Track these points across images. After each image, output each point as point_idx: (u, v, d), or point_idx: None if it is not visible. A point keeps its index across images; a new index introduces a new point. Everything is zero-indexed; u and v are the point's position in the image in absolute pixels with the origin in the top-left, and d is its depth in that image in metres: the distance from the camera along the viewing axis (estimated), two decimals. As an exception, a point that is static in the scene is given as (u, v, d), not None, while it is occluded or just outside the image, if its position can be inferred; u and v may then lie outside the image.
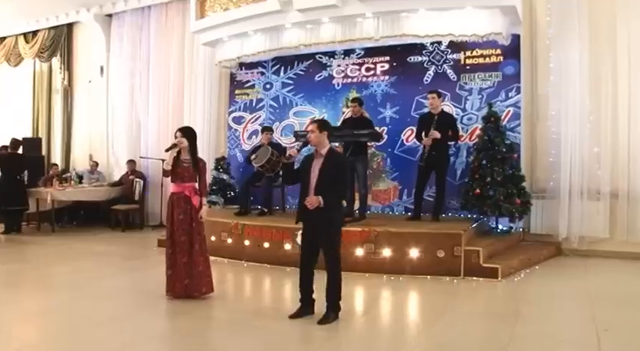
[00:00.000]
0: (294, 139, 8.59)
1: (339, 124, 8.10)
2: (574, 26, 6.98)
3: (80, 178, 10.29)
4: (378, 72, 8.30)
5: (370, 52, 8.30)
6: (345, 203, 5.79)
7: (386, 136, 7.89)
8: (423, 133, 6.88)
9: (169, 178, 5.23)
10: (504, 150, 6.68)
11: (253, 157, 7.54)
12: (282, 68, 9.03)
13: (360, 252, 6.05)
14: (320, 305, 4.40)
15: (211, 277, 5.15)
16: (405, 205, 7.93)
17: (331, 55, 8.61)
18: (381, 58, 8.27)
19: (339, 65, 8.57)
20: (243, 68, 9.31)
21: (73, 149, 11.53)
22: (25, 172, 9.65)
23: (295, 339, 4.10)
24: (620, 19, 6.79)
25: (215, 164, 8.80)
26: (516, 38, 7.32)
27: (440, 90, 7.18)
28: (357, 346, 3.96)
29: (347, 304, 4.49)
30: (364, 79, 8.38)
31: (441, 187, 6.89)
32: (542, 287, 5.51)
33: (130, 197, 9.74)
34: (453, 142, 7.12)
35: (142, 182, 9.76)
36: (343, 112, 8.43)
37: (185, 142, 5.04)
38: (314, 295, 4.39)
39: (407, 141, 7.98)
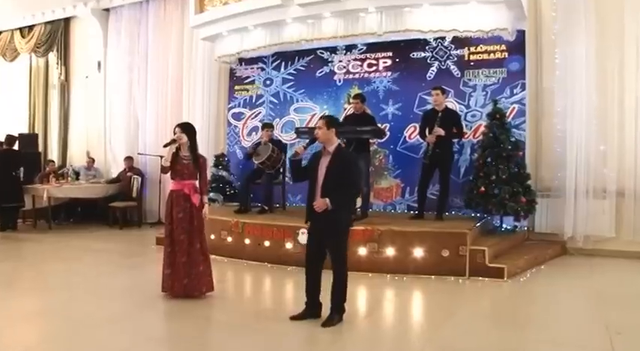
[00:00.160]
0: (294, 136, 8.51)
1: (341, 119, 8.02)
2: (580, 21, 6.86)
3: (77, 174, 10.15)
4: (381, 68, 8.16)
5: (372, 47, 8.17)
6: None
7: (388, 133, 7.75)
8: (427, 130, 6.76)
9: (168, 176, 5.11)
10: (510, 147, 6.56)
11: (254, 150, 7.39)
12: (283, 64, 8.89)
13: (363, 251, 5.93)
14: (324, 308, 4.29)
15: (212, 276, 5.05)
16: (408, 203, 7.82)
17: (333, 50, 8.47)
18: (384, 54, 8.13)
19: (340, 61, 8.44)
20: (243, 64, 9.16)
21: (69, 145, 11.37)
22: (21, 168, 9.51)
23: (298, 342, 3.98)
24: (628, 14, 6.67)
25: (214, 161, 8.67)
26: (521, 34, 7.19)
27: (443, 86, 7.04)
28: (362, 350, 3.84)
29: (351, 304, 4.37)
30: (366, 75, 8.25)
31: (445, 185, 6.77)
32: (549, 288, 5.40)
33: (127, 194, 9.59)
34: (456, 140, 6.99)
35: (139, 179, 9.62)
36: (345, 109, 8.29)
37: (184, 138, 4.91)
38: (320, 299, 4.27)
39: (409, 138, 7.86)
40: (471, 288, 5.45)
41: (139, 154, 9.96)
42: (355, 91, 8.14)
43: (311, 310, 4.24)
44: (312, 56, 8.62)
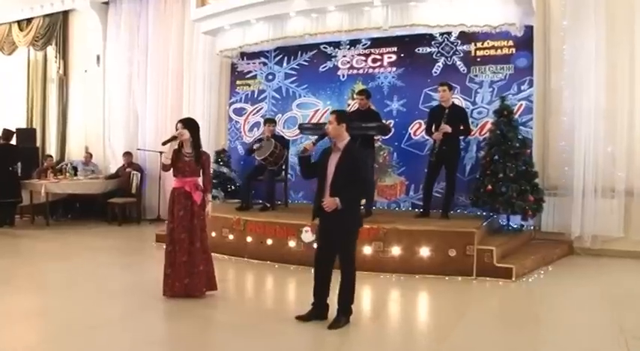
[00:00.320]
0: (297, 132, 8.39)
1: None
2: (590, 17, 6.72)
3: (75, 170, 9.99)
4: (385, 63, 8.01)
5: (377, 42, 8.02)
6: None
7: (393, 130, 7.60)
8: (433, 127, 6.62)
9: (168, 172, 4.97)
10: (517, 145, 6.44)
11: (257, 146, 7.26)
12: (285, 58, 8.74)
13: (368, 250, 5.80)
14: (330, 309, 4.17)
15: (214, 275, 4.91)
16: (412, 201, 7.69)
17: (336, 45, 8.32)
18: (388, 49, 7.98)
19: (344, 56, 8.29)
20: (245, 58, 9.01)
21: (68, 140, 11.21)
22: (19, 163, 9.39)
23: (305, 344, 3.86)
24: (639, 10, 6.53)
25: (215, 157, 8.51)
26: (529, 29, 7.05)
27: (450, 82, 6.90)
28: (370, 353, 3.73)
29: (357, 305, 4.23)
30: (370, 71, 8.10)
31: (452, 183, 6.66)
32: (559, 289, 5.27)
33: (126, 190, 9.46)
34: (463, 137, 6.86)
35: (139, 175, 9.47)
36: (348, 105, 8.16)
37: (187, 135, 4.77)
38: (328, 300, 4.14)
39: (414, 135, 7.72)
40: (478, 288, 5.33)
41: (138, 149, 9.80)
42: (359, 86, 7.99)
43: (317, 312, 4.11)
44: (315, 51, 8.47)
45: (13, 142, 9.50)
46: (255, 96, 9.01)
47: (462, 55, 7.52)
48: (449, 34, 7.50)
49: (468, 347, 3.77)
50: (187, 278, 4.78)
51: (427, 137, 7.44)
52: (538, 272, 5.83)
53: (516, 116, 6.85)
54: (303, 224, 6.12)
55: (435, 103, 7.39)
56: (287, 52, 8.67)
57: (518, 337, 3.95)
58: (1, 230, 8.72)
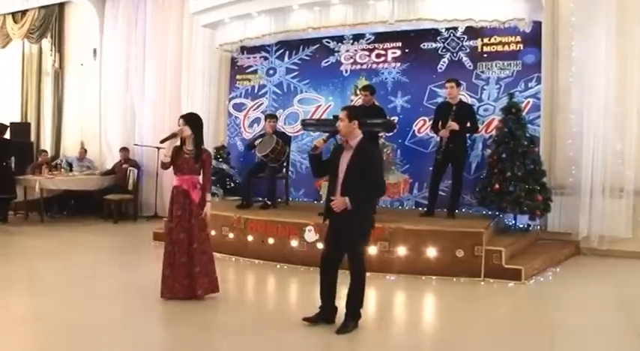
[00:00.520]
0: (298, 128, 8.22)
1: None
2: (599, 13, 6.55)
3: (70, 166, 9.79)
4: (389, 58, 7.84)
5: (381, 37, 7.84)
6: None
7: (397, 126, 7.44)
8: (440, 124, 6.47)
9: (165, 169, 4.79)
10: (525, 143, 6.29)
11: (257, 142, 7.09)
12: (287, 53, 8.56)
13: (373, 250, 5.63)
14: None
15: (215, 276, 4.73)
16: (416, 199, 7.54)
17: (339, 39, 8.13)
18: (393, 44, 7.81)
19: (347, 51, 8.11)
20: (245, 52, 8.82)
21: (63, 135, 10.99)
22: (12, 158, 9.18)
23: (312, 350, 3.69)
24: (651, 7, 6.39)
25: (214, 153, 8.32)
26: (537, 25, 6.89)
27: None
28: (381, 360, 3.58)
29: (364, 308, 4.05)
30: (374, 66, 7.92)
31: (458, 182, 6.51)
32: (569, 291, 5.15)
33: (123, 187, 9.27)
34: (469, 134, 6.70)
35: (136, 171, 9.28)
36: (351, 101, 7.99)
37: (188, 132, 4.58)
38: (336, 303, 3.99)
39: (419, 132, 7.57)
40: (488, 291, 5.19)
41: (135, 145, 9.61)
42: (362, 82, 7.83)
43: (325, 315, 3.95)
44: (317, 45, 8.29)
45: (7, 136, 9.27)
46: (256, 91, 8.83)
47: (468, 50, 7.35)
48: (455, 29, 7.34)
49: (483, 353, 3.63)
50: (187, 279, 4.61)
51: (432, 134, 7.33)
52: (546, 273, 5.70)
53: (524, 114, 6.70)
54: (305, 223, 5.97)
55: (440, 100, 7.27)
56: (288, 46, 8.49)
57: (535, 343, 3.79)
58: (-5, 227, 8.52)
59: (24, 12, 11.19)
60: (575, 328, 4.08)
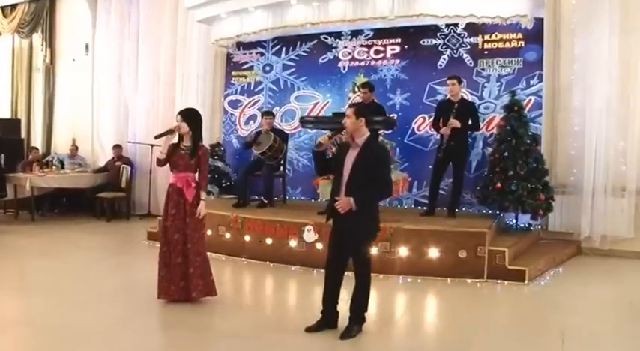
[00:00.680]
0: (295, 126, 8.10)
1: (343, 110, 7.58)
2: (602, 9, 6.46)
3: (62, 163, 9.59)
4: (388, 55, 7.71)
5: (380, 33, 7.72)
6: None
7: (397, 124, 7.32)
8: (441, 122, 6.35)
9: (160, 166, 4.63)
10: (528, 141, 6.19)
11: (253, 139, 6.94)
12: (284, 49, 8.41)
13: (373, 251, 5.45)
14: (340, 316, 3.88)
15: (212, 278, 4.56)
16: (415, 198, 7.43)
17: (337, 35, 8.00)
18: (392, 41, 7.68)
19: (345, 47, 7.97)
20: (241, 48, 8.66)
21: (54, 132, 10.76)
22: (2, 156, 8.95)
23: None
24: (655, 3, 6.31)
25: (209, 151, 8.17)
26: (539, 22, 6.78)
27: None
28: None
29: (368, 311, 3.94)
30: (373, 63, 7.80)
31: (459, 181, 6.40)
32: (575, 292, 5.06)
33: (116, 185, 9.08)
34: (470, 132, 6.60)
35: (129, 169, 9.10)
36: (349, 98, 7.87)
37: (185, 128, 4.43)
38: (339, 307, 3.85)
39: (418, 129, 7.45)
40: (492, 292, 5.09)
41: (128, 142, 9.42)
42: (361, 79, 7.71)
43: (327, 320, 3.81)
44: (315, 41, 8.15)
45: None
46: (252, 88, 8.67)
47: (468, 47, 7.25)
48: (455, 25, 7.24)
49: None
50: (183, 281, 4.46)
51: (431, 132, 7.25)
52: (549, 274, 5.62)
53: (525, 111, 6.59)
54: (304, 223, 5.84)
55: (440, 97, 7.17)
56: (285, 42, 8.35)
57: (544, 347, 3.69)
58: (-16, 226, 8.32)
59: (14, 6, 10.92)
60: (584, 331, 3.98)
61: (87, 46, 10.08)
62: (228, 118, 8.86)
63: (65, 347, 3.57)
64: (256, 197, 7.24)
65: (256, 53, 8.62)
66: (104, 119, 9.84)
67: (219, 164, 8.24)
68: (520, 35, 6.99)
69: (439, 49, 7.39)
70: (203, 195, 4.56)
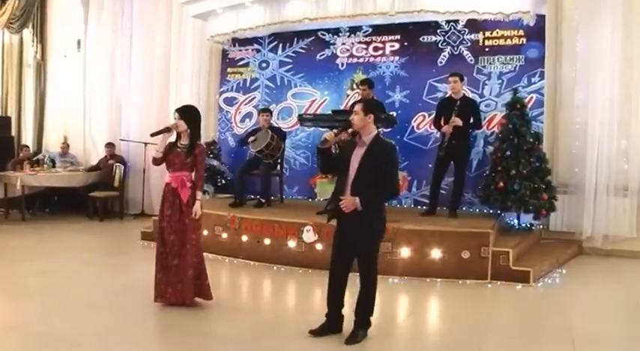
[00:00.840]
0: (292, 123, 7.98)
1: (342, 107, 7.47)
2: (605, 6, 6.37)
3: (53, 161, 9.39)
4: (387, 52, 7.58)
5: (379, 29, 7.59)
6: None
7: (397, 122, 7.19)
8: (442, 120, 6.24)
9: (156, 165, 4.48)
10: (531, 140, 6.08)
11: (251, 139, 6.80)
12: (280, 45, 8.25)
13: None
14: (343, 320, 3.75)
15: (207, 282, 4.41)
16: (415, 197, 7.31)
17: (335, 32, 7.86)
18: (391, 37, 7.55)
19: (343, 43, 7.83)
20: (237, 44, 8.50)
21: (45, 130, 10.53)
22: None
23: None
24: (658, 0, 6.22)
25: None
26: (541, 18, 6.68)
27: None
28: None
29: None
30: (371, 60, 7.66)
31: (460, 180, 6.30)
32: (581, 294, 4.98)
33: (109, 183, 8.89)
34: (472, 131, 6.48)
35: (122, 167, 8.92)
36: (347, 95, 7.75)
37: (183, 126, 4.28)
38: (344, 311, 3.72)
39: (418, 128, 7.33)
40: (497, 294, 4.98)
41: (121, 140, 9.24)
42: (359, 76, 7.58)
43: (332, 324, 3.68)
44: (312, 38, 8.00)
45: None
46: (248, 85, 8.52)
47: (469, 44, 7.13)
48: (455, 22, 7.12)
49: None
50: (180, 284, 4.31)
51: (431, 130, 7.15)
52: (553, 275, 5.52)
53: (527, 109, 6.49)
54: (304, 223, 5.70)
55: (440, 95, 7.07)
56: (282, 38, 8.20)
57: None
58: (-27, 225, 8.11)
59: (3, 0, 10.66)
60: (595, 333, 3.88)
61: (79, 42, 9.86)
62: (224, 116, 8.70)
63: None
64: (252, 196, 7.11)
65: (252, 50, 8.46)
66: (96, 116, 9.64)
67: (215, 163, 8.08)
68: (521, 32, 6.89)
69: (439, 45, 7.27)
70: (199, 195, 4.39)
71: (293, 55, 8.18)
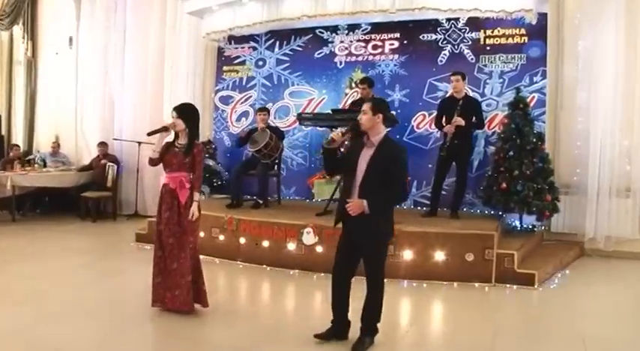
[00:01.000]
0: (289, 123, 7.85)
1: (340, 106, 7.36)
2: (608, 5, 6.28)
3: (44, 161, 9.19)
4: (387, 50, 7.46)
5: (378, 27, 7.46)
6: None
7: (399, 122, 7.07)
8: (444, 120, 6.13)
9: (153, 166, 4.32)
10: (534, 140, 5.99)
11: (247, 136, 6.66)
12: (277, 43, 8.11)
13: (376, 254, 5.27)
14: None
15: (204, 288, 4.25)
16: (415, 198, 7.19)
17: (333, 29, 7.73)
18: (390, 35, 7.43)
19: (342, 41, 7.70)
20: (233, 42, 8.35)
21: (36, 129, 10.31)
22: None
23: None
24: (662, -2, 6.15)
25: (200, 149, 7.87)
26: (543, 17, 6.59)
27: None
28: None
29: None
30: (370, 58, 7.54)
31: (462, 180, 6.21)
32: (587, 297, 4.90)
33: (101, 183, 8.70)
34: (473, 130, 6.38)
35: (115, 167, 8.73)
36: (346, 94, 7.62)
37: (181, 126, 4.13)
38: (349, 316, 3.59)
39: (418, 127, 7.22)
40: (502, 297, 4.88)
41: (114, 139, 9.05)
42: (358, 74, 7.47)
43: (338, 330, 3.55)
44: (310, 36, 7.86)
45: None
46: (244, 83, 8.36)
47: (470, 43, 7.03)
48: (456, 20, 7.02)
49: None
50: (177, 289, 4.15)
51: (431, 130, 7.06)
52: (557, 277, 5.42)
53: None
54: (303, 224, 5.57)
55: (440, 94, 6.97)
56: (279, 36, 8.05)
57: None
58: (-38, 226, 7.89)
59: (-7, -3, 10.49)
60: (606, 337, 3.81)
61: (70, 39, 9.65)
62: (219, 115, 8.54)
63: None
64: (249, 197, 6.97)
65: (249, 47, 8.31)
66: (89, 115, 9.44)
67: (211, 162, 7.91)
68: (523, 30, 6.80)
69: (439, 44, 7.16)
70: (196, 196, 4.24)
71: (290, 53, 8.04)
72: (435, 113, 6.53)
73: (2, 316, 4.14)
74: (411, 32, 7.30)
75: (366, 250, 3.46)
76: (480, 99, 6.81)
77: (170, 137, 4.25)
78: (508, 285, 5.06)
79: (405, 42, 7.36)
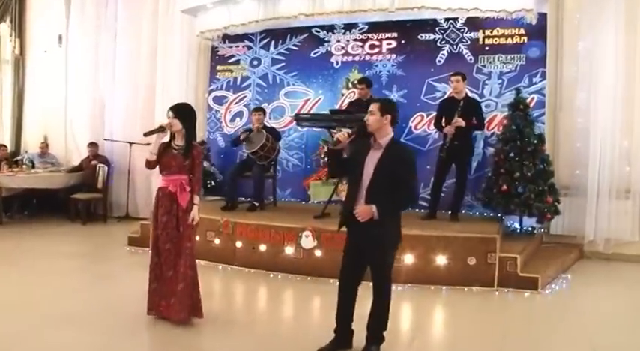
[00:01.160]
0: (285, 123, 7.72)
1: (337, 107, 7.25)
2: (607, 5, 6.23)
3: (32, 162, 8.97)
4: (384, 50, 7.35)
5: (375, 27, 7.35)
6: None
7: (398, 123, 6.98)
8: (444, 120, 6.04)
9: (150, 168, 4.17)
10: (535, 142, 5.91)
11: (244, 137, 6.53)
12: (272, 42, 7.97)
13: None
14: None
15: (197, 297, 4.06)
16: (413, 200, 7.08)
17: (330, 29, 7.61)
18: (388, 35, 7.33)
19: (338, 41, 7.58)
20: (227, 41, 8.19)
21: (24, 129, 10.05)
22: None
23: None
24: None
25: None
26: (543, 17, 6.52)
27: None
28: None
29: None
30: (368, 58, 7.42)
31: (462, 182, 6.12)
32: (591, 300, 4.83)
33: (91, 185, 8.52)
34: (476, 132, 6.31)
35: (105, 168, 8.55)
36: (343, 94, 7.51)
37: (178, 126, 3.99)
38: (354, 325, 3.47)
39: (416, 128, 7.12)
40: (504, 301, 4.79)
41: (105, 140, 8.87)
42: (355, 75, 7.37)
43: (342, 340, 3.43)
44: (306, 35, 7.73)
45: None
46: (238, 83, 8.21)
47: (468, 43, 6.94)
48: (455, 19, 6.94)
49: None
50: (173, 297, 3.99)
51: (429, 131, 6.97)
52: (559, 281, 5.35)
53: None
54: (302, 228, 5.44)
55: (439, 94, 6.88)
56: (274, 35, 7.92)
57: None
58: (-53, 229, 7.66)
59: (-21, -7, 10.24)
60: (614, 342, 3.73)
61: (60, 37, 9.42)
62: (213, 115, 8.38)
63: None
64: (243, 199, 6.83)
65: (243, 46, 8.16)
66: (79, 115, 9.23)
67: (204, 164, 7.73)
68: (522, 31, 6.73)
69: (438, 44, 7.07)
70: (196, 199, 4.10)
71: (286, 52, 7.90)
72: (433, 114, 6.44)
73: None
74: (408, 32, 7.20)
75: (373, 255, 3.33)
76: (478, 100, 6.73)
77: (166, 138, 4.10)
78: (510, 289, 4.98)
79: (403, 42, 7.26)
